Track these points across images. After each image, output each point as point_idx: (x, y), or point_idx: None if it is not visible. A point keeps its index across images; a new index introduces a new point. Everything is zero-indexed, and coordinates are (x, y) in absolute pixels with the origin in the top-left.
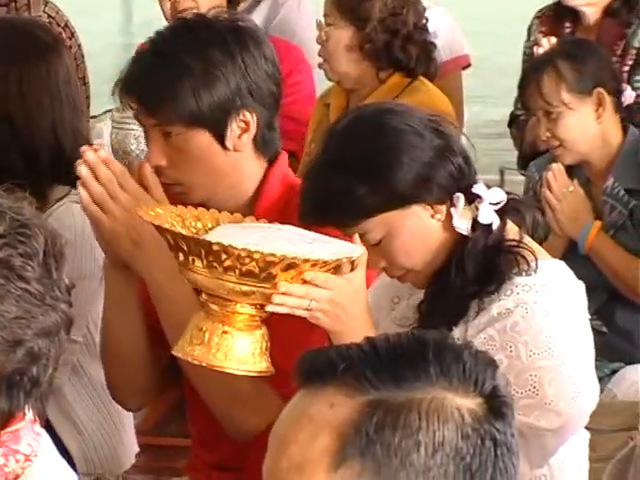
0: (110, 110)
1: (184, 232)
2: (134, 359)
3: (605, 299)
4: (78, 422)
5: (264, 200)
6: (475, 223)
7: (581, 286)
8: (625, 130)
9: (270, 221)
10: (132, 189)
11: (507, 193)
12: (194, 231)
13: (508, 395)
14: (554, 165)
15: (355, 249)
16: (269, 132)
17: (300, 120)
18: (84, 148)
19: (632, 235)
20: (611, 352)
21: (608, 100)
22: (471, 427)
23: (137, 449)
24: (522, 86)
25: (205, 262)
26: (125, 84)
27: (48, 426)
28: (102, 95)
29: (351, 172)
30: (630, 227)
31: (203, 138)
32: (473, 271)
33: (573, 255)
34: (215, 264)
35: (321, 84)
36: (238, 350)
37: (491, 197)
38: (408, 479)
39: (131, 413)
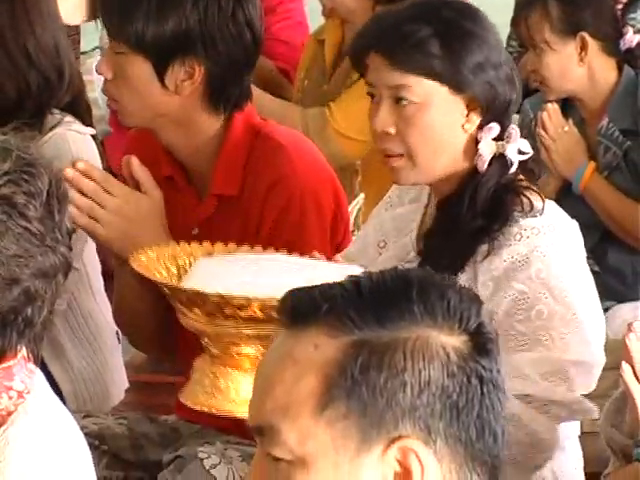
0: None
1: (179, 286)
2: (151, 325)
3: (598, 239)
4: (69, 357)
5: (228, 145)
6: (493, 160)
7: (577, 225)
8: (621, 71)
9: (235, 166)
10: (119, 192)
11: None
12: (188, 269)
13: (493, 331)
14: (549, 105)
15: (353, 269)
16: (223, 89)
17: (291, 44)
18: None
19: (626, 176)
20: (603, 291)
21: (592, 44)
22: (457, 365)
23: (127, 385)
24: (514, 20)
25: (204, 311)
26: None
27: (40, 361)
28: (91, 31)
29: (435, 29)
30: (624, 168)
31: (144, 67)
32: (482, 205)
33: (567, 195)
34: (215, 313)
35: (313, 23)
36: None
37: (520, 143)
38: (394, 419)
39: (121, 349)
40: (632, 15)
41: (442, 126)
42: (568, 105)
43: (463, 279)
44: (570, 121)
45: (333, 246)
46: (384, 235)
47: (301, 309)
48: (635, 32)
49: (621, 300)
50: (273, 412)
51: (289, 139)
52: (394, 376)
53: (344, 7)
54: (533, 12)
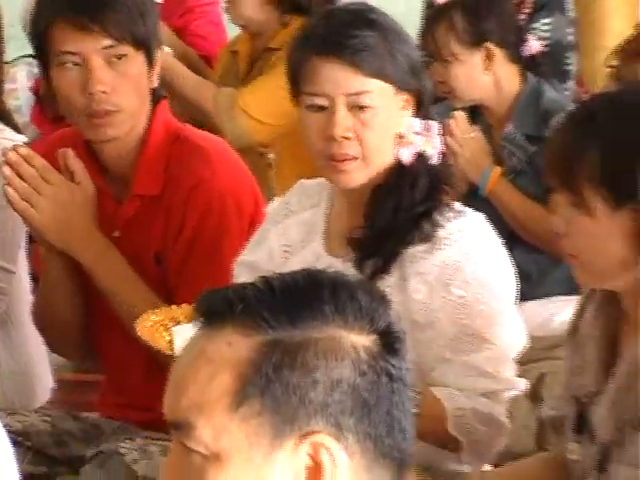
0: (25, 56)
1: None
2: (74, 324)
3: (504, 240)
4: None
5: (150, 147)
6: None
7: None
8: (524, 78)
9: (157, 167)
10: (55, 180)
11: None
12: None
13: (401, 331)
14: (456, 112)
15: None
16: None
17: (208, 39)
18: (5, 149)
19: (531, 180)
20: None
21: (497, 53)
22: (367, 364)
23: (52, 385)
24: (422, 33)
25: None
26: (72, 3)
27: None
28: (15, 39)
29: (379, 33)
30: (529, 172)
31: (143, 63)
32: (420, 194)
33: (473, 198)
34: None
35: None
36: None
37: (438, 138)
38: (307, 416)
39: (45, 348)
40: (534, 25)
41: (390, 125)
42: (476, 112)
43: (391, 281)
44: (477, 127)
45: None
46: (288, 240)
47: (216, 309)
48: (536, 40)
49: (526, 298)
50: (189, 409)
51: (209, 143)
52: (306, 374)
53: (252, 22)
54: (439, 26)
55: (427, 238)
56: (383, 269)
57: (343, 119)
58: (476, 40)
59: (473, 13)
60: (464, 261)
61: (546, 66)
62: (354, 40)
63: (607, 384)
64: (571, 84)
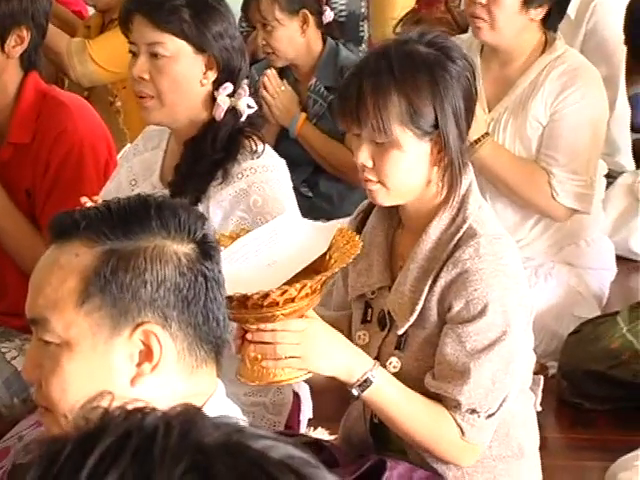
0: None
1: None
2: None
3: (310, 172)
4: None
5: (22, 104)
6: (227, 112)
7: (284, 163)
8: (325, 41)
9: (28, 120)
10: None
11: None
12: None
13: (215, 240)
14: (268, 70)
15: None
16: (35, 53)
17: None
18: None
19: (330, 123)
20: (316, 211)
21: (311, 19)
22: (186, 267)
23: None
24: (245, 5)
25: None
26: None
27: None
28: None
29: (187, 0)
30: (329, 116)
31: None
32: (220, 144)
33: (286, 139)
34: None
35: None
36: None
37: (249, 100)
38: (138, 309)
39: None
40: (334, 0)
41: (185, 77)
42: (284, 71)
43: (199, 208)
44: (285, 81)
45: None
46: (134, 175)
47: (64, 226)
48: (331, 10)
49: (329, 219)
50: (45, 307)
51: (72, 101)
52: (137, 276)
53: (100, 2)
54: None
55: (226, 175)
56: (194, 202)
57: (141, 63)
58: (295, 8)
59: None
60: (250, 191)
61: (340, 32)
62: (161, 2)
63: (391, 280)
64: (364, 47)
